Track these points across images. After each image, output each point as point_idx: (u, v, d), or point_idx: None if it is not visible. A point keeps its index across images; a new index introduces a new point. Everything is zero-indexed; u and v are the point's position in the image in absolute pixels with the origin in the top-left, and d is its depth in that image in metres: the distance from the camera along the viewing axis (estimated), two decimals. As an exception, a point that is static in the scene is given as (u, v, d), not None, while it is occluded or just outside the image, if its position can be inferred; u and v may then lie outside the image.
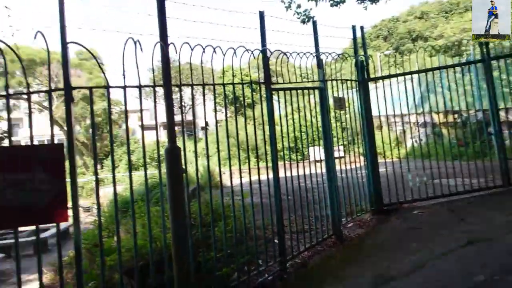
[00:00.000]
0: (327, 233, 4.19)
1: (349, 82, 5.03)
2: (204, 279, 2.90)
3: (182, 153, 2.73)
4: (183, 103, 3.35)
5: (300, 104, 4.17)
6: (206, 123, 3.91)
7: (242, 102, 3.88)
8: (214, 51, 3.07)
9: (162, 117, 2.74)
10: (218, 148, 3.26)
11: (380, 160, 6.20)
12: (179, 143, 2.86)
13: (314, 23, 4.69)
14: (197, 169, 3.17)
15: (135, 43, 2.47)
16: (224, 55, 3.15)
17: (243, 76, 17.82)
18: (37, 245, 2.31)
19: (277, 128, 3.97)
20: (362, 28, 5.38)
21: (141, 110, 2.75)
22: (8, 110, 2.16)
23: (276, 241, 3.66)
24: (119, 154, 22.31)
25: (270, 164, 3.59)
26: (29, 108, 2.18)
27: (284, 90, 4.21)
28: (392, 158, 9.08)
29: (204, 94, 3.18)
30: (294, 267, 3.65)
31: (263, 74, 3.75)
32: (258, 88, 3.73)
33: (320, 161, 4.39)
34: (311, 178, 4.04)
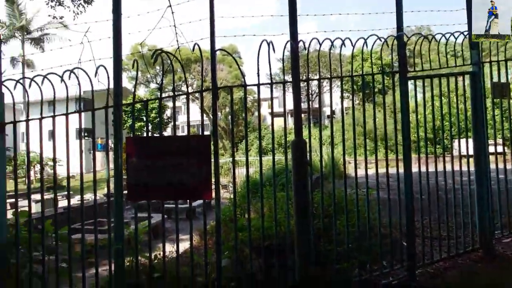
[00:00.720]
0: (471, 245, 3.58)
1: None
2: (324, 269, 2.98)
3: (309, 142, 2.85)
4: (310, 92, 3.44)
5: (444, 90, 3.62)
6: (332, 112, 3.88)
7: (373, 90, 3.66)
8: (343, 44, 3.01)
9: (290, 106, 2.90)
10: (343, 136, 3.21)
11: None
12: (306, 132, 2.97)
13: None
14: (321, 159, 3.21)
15: (268, 44, 2.68)
16: (353, 46, 3.04)
17: (375, 61, 16.55)
18: (190, 213, 2.88)
19: (414, 116, 3.57)
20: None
21: (271, 103, 2.99)
22: (174, 108, 2.75)
23: (404, 243, 3.38)
24: (251, 139, 24.54)
25: (401, 157, 3.31)
26: (188, 105, 2.70)
27: (424, 78, 3.74)
28: None
29: (331, 86, 3.18)
30: (425, 276, 3.29)
31: (398, 62, 3.43)
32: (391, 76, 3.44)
33: (468, 156, 3.73)
34: (454, 176, 3.50)
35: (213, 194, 2.75)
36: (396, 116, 3.40)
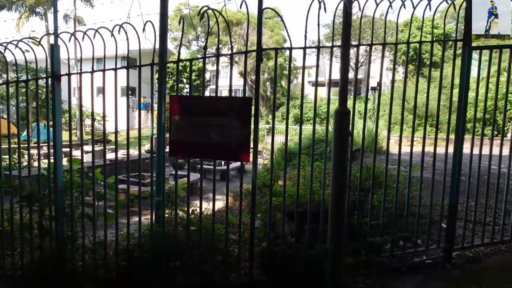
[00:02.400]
0: (519, 233, 3.35)
1: None
2: (356, 241, 2.97)
3: (353, 112, 2.73)
4: (359, 60, 3.23)
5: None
6: (380, 86, 3.65)
7: (430, 61, 3.36)
8: (403, 4, 2.73)
9: (334, 75, 2.75)
10: (390, 110, 3.03)
11: None
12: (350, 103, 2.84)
13: None
14: (364, 132, 3.08)
15: (319, 2, 2.50)
16: (414, 8, 2.75)
17: (425, 29, 14.96)
18: (227, 174, 2.96)
19: (473, 93, 3.26)
20: None
21: (317, 69, 2.85)
22: (218, 67, 2.73)
23: (443, 225, 3.24)
24: (290, 107, 24.16)
25: (452, 137, 3.08)
26: (231, 66, 2.66)
27: (492, 48, 3.33)
28: None
29: (383, 53, 2.95)
30: (463, 260, 3.18)
31: (463, 28, 3.07)
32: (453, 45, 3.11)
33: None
34: (510, 161, 3.21)
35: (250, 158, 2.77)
36: (452, 91, 3.11)
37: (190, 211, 2.95)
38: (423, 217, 3.46)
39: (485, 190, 3.23)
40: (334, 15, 2.68)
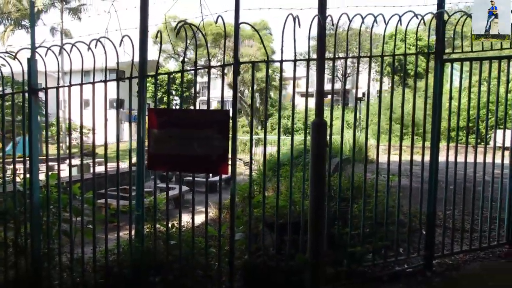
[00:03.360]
0: (497, 240, 3.41)
1: None
2: (337, 251, 2.98)
3: (330, 124, 2.77)
4: (342, 73, 3.31)
5: (486, 76, 3.35)
6: (365, 93, 3.72)
7: (404, 72, 3.48)
8: (375, 21, 2.83)
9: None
10: (367, 119, 3.10)
11: None
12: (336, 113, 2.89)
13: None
14: (342, 142, 3.14)
15: (294, 19, 2.57)
16: (386, 24, 2.85)
17: (412, 42, 15.45)
18: (206, 187, 2.95)
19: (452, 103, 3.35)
20: None
21: (294, 82, 2.91)
22: (195, 82, 2.76)
23: (424, 232, 3.29)
24: (276, 118, 24.31)
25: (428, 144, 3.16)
26: (208, 78, 2.69)
27: (462, 61, 3.46)
28: None
29: (358, 65, 3.03)
30: (443, 268, 3.21)
31: (435, 42, 3.19)
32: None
33: (504, 148, 3.50)
34: (484, 168, 3.30)
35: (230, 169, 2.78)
36: (426, 101, 3.21)
37: (171, 225, 2.92)
38: (405, 225, 3.50)
39: (467, 197, 3.29)
40: (310, 29, 2.74)
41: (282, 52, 2.73)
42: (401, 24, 2.89)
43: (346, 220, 3.25)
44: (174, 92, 25.19)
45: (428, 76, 3.48)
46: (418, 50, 3.26)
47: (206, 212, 2.84)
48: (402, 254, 3.30)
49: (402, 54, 3.18)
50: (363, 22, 2.84)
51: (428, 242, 3.16)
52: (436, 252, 3.25)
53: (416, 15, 2.92)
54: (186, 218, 3.72)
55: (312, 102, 3.43)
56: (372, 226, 3.15)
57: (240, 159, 12.18)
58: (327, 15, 2.68)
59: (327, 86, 3.84)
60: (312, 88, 2.75)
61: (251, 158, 3.07)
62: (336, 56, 2.96)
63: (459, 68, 3.33)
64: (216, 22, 2.49)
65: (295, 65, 2.79)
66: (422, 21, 2.97)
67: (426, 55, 3.21)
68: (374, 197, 3.15)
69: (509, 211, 3.34)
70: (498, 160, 3.35)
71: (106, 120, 2.96)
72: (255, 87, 28.30)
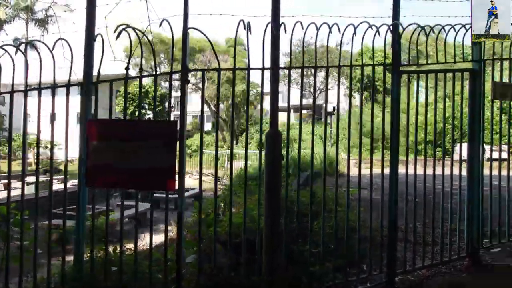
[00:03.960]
0: (458, 253, 3.37)
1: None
2: (295, 270, 2.80)
3: (287, 135, 2.64)
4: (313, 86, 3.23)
5: (444, 89, 3.40)
6: (328, 112, 3.65)
7: (361, 84, 3.46)
8: (330, 31, 2.77)
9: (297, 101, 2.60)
10: (325, 134, 3.01)
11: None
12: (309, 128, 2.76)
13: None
14: (299, 155, 3.01)
15: (244, 26, 2.46)
16: (342, 34, 2.81)
17: (378, 59, 16.06)
18: (166, 205, 2.67)
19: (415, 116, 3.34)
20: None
21: (247, 90, 2.77)
22: (140, 90, 2.55)
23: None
24: (252, 132, 24.21)
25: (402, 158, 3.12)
26: (155, 88, 2.50)
27: (418, 73, 3.50)
28: None
29: (315, 76, 2.96)
30: (405, 284, 3.10)
31: (391, 55, 3.20)
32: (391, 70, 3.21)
33: (461, 161, 3.52)
34: (443, 180, 3.28)
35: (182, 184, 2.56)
36: (384, 114, 3.17)
37: (113, 249, 2.63)
38: (368, 240, 3.39)
39: (430, 209, 3.24)
40: (264, 37, 2.63)
41: (234, 60, 2.60)
42: (355, 34, 2.86)
43: (307, 236, 3.10)
44: (147, 106, 24.66)
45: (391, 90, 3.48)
46: (380, 62, 3.22)
47: (151, 232, 2.59)
48: (365, 271, 3.17)
49: (359, 65, 3.15)
50: (318, 31, 2.78)
51: (389, 259, 3.05)
52: (399, 268, 3.14)
53: (370, 26, 2.90)
54: (147, 238, 3.40)
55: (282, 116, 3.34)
56: (333, 243, 3.01)
57: (209, 173, 11.86)
58: (280, 23, 2.59)
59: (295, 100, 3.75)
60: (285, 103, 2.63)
61: (216, 173, 2.87)
62: (287, 66, 2.85)
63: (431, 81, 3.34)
64: (160, 26, 2.32)
65: (248, 74, 2.67)
66: (377, 32, 2.96)
67: (383, 67, 3.20)
68: (338, 212, 3.03)
69: (467, 223, 3.32)
70: (463, 173, 3.37)
71: (39, 132, 2.67)
72: (225, 102, 27.85)
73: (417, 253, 3.28)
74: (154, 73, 2.52)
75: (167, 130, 2.45)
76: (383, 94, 3.17)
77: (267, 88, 2.67)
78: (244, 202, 2.69)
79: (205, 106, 25.84)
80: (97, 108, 2.68)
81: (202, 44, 27.37)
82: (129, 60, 2.48)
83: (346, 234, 2.99)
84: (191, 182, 12.59)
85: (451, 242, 3.35)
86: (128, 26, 2.35)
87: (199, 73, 27.35)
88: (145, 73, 2.68)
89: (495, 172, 3.96)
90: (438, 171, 3.28)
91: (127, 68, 2.52)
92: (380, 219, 3.06)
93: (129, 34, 2.41)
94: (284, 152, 2.72)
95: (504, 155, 3.98)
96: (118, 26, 2.29)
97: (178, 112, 2.48)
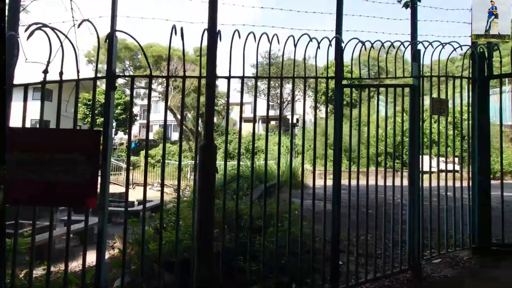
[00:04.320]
0: (400, 265, 3.39)
1: (458, 80, 3.94)
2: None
3: (225, 146, 2.52)
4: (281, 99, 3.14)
5: (394, 104, 3.45)
6: (293, 124, 3.59)
7: (315, 96, 3.45)
8: (269, 40, 2.73)
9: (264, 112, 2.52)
10: (266, 147, 2.93)
11: (495, 182, 4.78)
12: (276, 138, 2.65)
13: (415, 3, 3.78)
14: (252, 167, 2.92)
15: (176, 31, 2.35)
16: (284, 45, 2.77)
17: (324, 70, 16.51)
18: (102, 219, 2.42)
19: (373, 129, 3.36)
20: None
21: (182, 100, 2.63)
22: (60, 96, 2.33)
23: (341, 262, 3.13)
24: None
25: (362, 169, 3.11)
26: (76, 94, 2.29)
27: (361, 88, 3.56)
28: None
29: (256, 86, 2.89)
30: (348, 299, 3.05)
31: (335, 67, 3.22)
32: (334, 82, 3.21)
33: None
34: (385, 190, 3.30)
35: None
36: (330, 125, 3.17)
37: (25, 273, 2.34)
38: (316, 253, 3.32)
39: (367, 222, 3.24)
40: (201, 43, 2.53)
41: (184, 71, 2.46)
42: (295, 46, 2.84)
43: (252, 253, 2.97)
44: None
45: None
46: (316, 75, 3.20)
47: (67, 252, 2.33)
48: (311, 286, 3.08)
49: (302, 77, 3.13)
50: (259, 40, 2.73)
51: (332, 273, 2.99)
52: (343, 283, 3.09)
53: (311, 39, 2.90)
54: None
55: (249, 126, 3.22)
56: (275, 258, 2.90)
57: (170, 185, 11.48)
58: (217, 30, 2.51)
59: (262, 111, 3.66)
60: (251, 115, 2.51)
61: (179, 185, 2.67)
62: (227, 75, 2.75)
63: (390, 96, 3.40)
64: (78, 27, 2.14)
65: (184, 81, 2.53)
66: (318, 46, 2.97)
67: (326, 79, 3.21)
68: (282, 225, 2.94)
69: (409, 234, 3.36)
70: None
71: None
72: (191, 112, 27.23)
73: (363, 266, 3.25)
74: (76, 78, 2.32)
75: (89, 140, 2.24)
76: (326, 105, 3.16)
77: (235, 98, 2.59)
78: (176, 220, 2.52)
79: (172, 115, 25.33)
80: (59, 115, 2.41)
81: (171, 52, 26.94)
82: (47, 64, 2.26)
83: (288, 249, 2.89)
84: (152, 194, 12.20)
85: (393, 254, 3.36)
86: (45, 25, 2.14)
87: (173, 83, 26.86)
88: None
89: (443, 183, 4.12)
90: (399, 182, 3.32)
91: (45, 71, 2.29)
92: (323, 232, 3.00)
93: (48, 36, 2.20)
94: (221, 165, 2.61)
95: (449, 166, 4.13)
96: (30, 25, 2.08)
97: (144, 121, 2.32)
